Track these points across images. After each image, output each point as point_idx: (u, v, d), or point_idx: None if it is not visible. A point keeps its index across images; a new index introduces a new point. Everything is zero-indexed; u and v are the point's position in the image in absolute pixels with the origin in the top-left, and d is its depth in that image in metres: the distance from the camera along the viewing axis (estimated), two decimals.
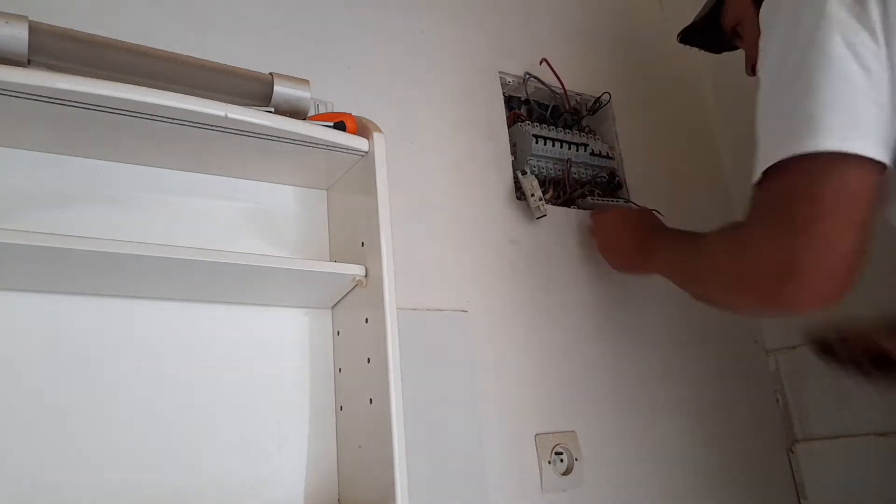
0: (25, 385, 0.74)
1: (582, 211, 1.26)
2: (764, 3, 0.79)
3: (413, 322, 0.99)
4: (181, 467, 0.80)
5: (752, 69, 0.93)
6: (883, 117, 0.68)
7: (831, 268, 0.68)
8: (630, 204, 1.28)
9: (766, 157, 0.72)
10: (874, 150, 0.67)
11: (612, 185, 1.30)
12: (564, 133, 1.25)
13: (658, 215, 1.14)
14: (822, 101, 0.68)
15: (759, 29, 0.80)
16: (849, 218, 0.68)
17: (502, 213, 1.17)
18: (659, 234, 1.04)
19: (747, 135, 0.81)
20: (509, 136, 1.23)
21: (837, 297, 0.69)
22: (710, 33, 1.12)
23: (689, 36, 1.19)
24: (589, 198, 1.25)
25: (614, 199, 1.28)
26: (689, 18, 1.18)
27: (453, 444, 0.98)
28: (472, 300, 1.08)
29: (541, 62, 1.28)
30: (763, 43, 0.77)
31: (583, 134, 1.30)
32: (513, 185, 1.19)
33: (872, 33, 0.68)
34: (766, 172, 0.73)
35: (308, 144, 0.85)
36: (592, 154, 1.27)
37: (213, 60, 0.87)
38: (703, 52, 1.26)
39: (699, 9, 1.16)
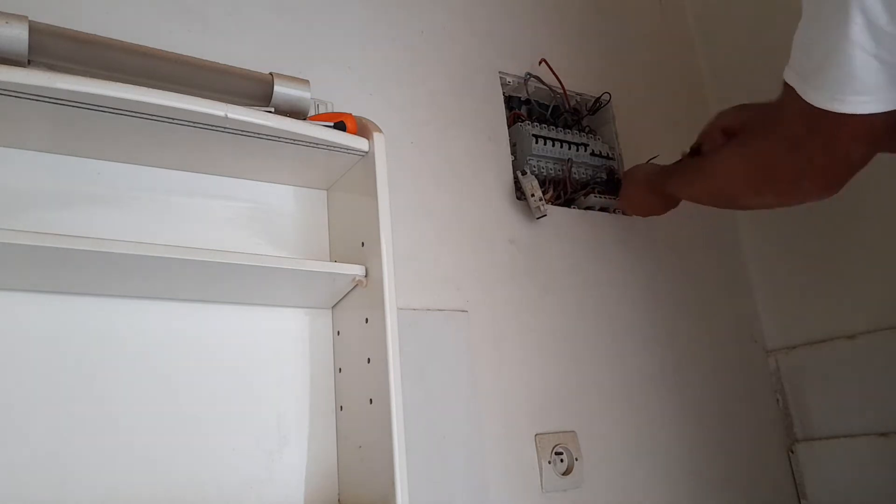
0: (25, 385, 0.74)
1: (582, 211, 1.26)
2: None
3: (413, 322, 0.99)
4: (181, 467, 0.80)
5: None
6: None
7: (840, 174, 0.82)
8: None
9: (805, 81, 0.79)
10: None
11: (611, 184, 1.30)
12: (564, 133, 1.25)
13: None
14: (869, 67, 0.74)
15: None
16: (862, 140, 0.79)
17: (502, 213, 1.17)
18: (662, 173, 1.16)
19: None
20: (509, 136, 1.23)
21: (839, 188, 0.84)
22: None
23: None
24: (591, 195, 1.25)
25: (616, 198, 1.28)
26: (689, 18, 1.18)
27: (453, 444, 0.99)
28: (472, 300, 1.08)
29: (540, 62, 1.28)
30: None
31: (583, 134, 1.30)
32: (513, 185, 1.19)
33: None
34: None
35: (308, 144, 0.85)
36: (592, 154, 1.27)
37: (213, 60, 0.87)
38: (702, 52, 1.26)
39: (699, 9, 1.16)
